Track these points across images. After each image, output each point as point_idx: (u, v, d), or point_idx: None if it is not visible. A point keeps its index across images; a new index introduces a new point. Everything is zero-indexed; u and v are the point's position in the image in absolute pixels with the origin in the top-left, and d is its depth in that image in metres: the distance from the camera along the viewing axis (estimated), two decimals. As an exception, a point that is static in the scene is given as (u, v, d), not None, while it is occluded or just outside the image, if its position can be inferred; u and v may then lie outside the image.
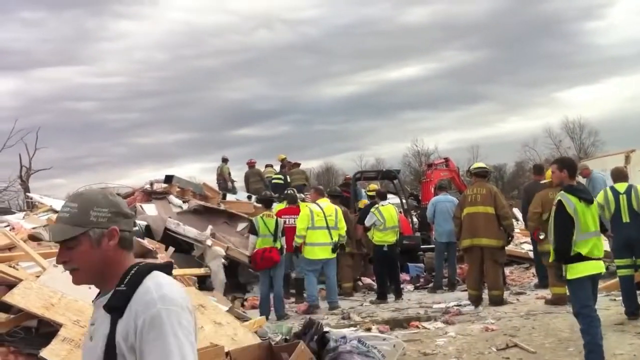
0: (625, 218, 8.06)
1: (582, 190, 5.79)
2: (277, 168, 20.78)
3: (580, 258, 5.59)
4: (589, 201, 5.67)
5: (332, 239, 10.80)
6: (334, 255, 10.90)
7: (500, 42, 71.05)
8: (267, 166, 21.40)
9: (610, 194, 8.20)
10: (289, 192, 13.81)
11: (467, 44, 72.53)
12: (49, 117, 61.23)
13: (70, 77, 67.60)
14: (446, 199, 12.95)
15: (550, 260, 5.88)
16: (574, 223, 5.58)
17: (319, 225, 10.79)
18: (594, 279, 5.67)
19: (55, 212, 10.52)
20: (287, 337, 6.05)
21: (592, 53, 68.60)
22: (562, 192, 5.76)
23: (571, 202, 5.62)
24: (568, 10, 69.77)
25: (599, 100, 69.89)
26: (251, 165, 20.55)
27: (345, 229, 11.14)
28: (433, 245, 13.31)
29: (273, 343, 5.40)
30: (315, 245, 10.77)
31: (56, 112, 64.20)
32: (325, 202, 11.25)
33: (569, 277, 5.56)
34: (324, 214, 10.85)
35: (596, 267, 5.66)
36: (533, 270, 12.63)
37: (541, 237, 9.36)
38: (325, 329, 5.29)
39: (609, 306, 8.98)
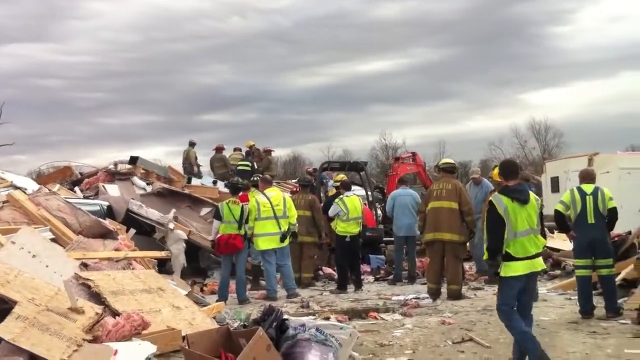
0: (591, 219, 8.18)
1: (516, 190, 5.87)
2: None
3: (510, 257, 5.68)
4: (522, 201, 5.72)
5: (280, 228, 10.77)
6: (285, 244, 10.86)
7: (469, 42, 72.02)
8: (235, 149, 21.29)
9: (577, 194, 8.30)
10: (253, 179, 13.76)
11: (437, 41, 73.31)
12: (14, 92, 60.22)
13: (37, 54, 66.58)
14: (406, 192, 13.04)
15: (484, 258, 5.98)
16: (505, 223, 5.68)
17: (266, 216, 10.75)
18: (529, 275, 5.73)
19: (16, 187, 10.34)
20: (246, 324, 6.04)
21: (558, 57, 69.91)
22: (495, 193, 5.93)
23: (502, 203, 5.70)
24: (536, 14, 71.15)
25: (564, 103, 71.30)
26: (218, 150, 20.41)
27: (295, 217, 11.11)
28: (394, 238, 13.40)
29: (231, 329, 5.38)
30: (264, 235, 10.73)
31: (22, 88, 63.25)
32: (273, 191, 11.20)
33: (501, 274, 5.68)
34: (270, 203, 10.81)
35: (528, 266, 5.70)
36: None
37: None
38: (285, 316, 5.29)
39: (563, 305, 9.15)
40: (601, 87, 70.14)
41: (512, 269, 5.65)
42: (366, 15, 72.05)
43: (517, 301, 5.80)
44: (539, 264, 5.78)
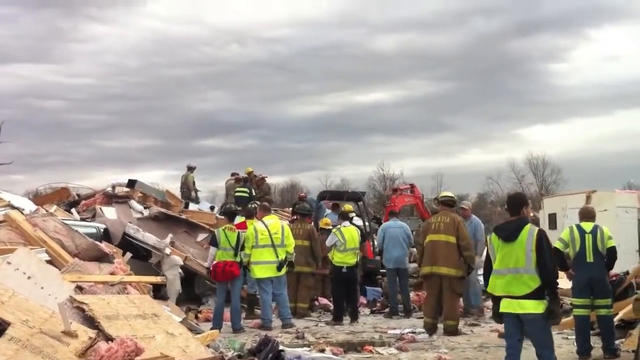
0: (590, 258, 8.14)
1: (500, 227, 5.88)
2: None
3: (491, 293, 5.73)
4: (503, 238, 5.70)
5: (277, 256, 10.71)
6: (281, 273, 10.80)
7: (466, 76, 72.71)
8: (232, 174, 21.25)
9: (576, 232, 8.27)
10: (251, 206, 13.73)
11: (434, 75, 74.13)
12: (13, 112, 60.62)
13: (39, 75, 66.96)
14: (396, 224, 13.03)
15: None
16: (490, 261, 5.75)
17: (264, 244, 10.71)
18: (520, 318, 5.66)
19: (14, 207, 10.29)
20: (241, 354, 5.97)
21: (554, 94, 70.56)
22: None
23: (490, 239, 5.80)
24: (533, 50, 72.14)
25: (560, 139, 71.80)
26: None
27: (293, 245, 11.06)
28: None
29: (226, 358, 5.31)
30: (260, 263, 10.69)
31: (22, 108, 63.38)
32: (271, 219, 11.17)
33: None
34: (268, 231, 10.77)
35: (508, 305, 5.67)
36: (489, 302, 12.70)
37: None
38: (280, 347, 5.22)
39: (561, 344, 9.04)
40: (597, 124, 70.95)
41: (501, 305, 5.70)
42: (363, 47, 72.88)
43: (516, 343, 5.73)
44: (523, 306, 5.61)
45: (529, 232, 5.68)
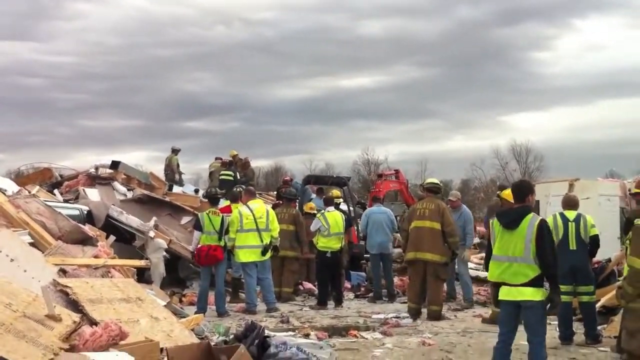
0: (572, 245, 8.19)
1: (502, 214, 5.88)
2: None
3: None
4: (505, 226, 5.70)
5: (262, 241, 10.70)
6: (266, 258, 10.79)
7: (451, 63, 72.72)
8: (216, 159, 21.17)
9: (559, 220, 8.32)
10: (236, 190, 13.69)
11: (419, 60, 74.01)
12: (-5, 90, 59.46)
13: (20, 52, 65.95)
14: (380, 210, 13.03)
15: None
16: (491, 246, 5.77)
17: (248, 228, 10.68)
18: (517, 305, 5.68)
19: (-3, 189, 10.17)
20: (226, 339, 5.96)
21: (538, 81, 70.65)
22: None
23: (492, 224, 5.79)
24: (518, 39, 71.99)
25: (544, 127, 72.05)
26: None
27: (277, 230, 11.04)
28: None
29: (212, 344, 5.29)
30: (245, 247, 10.66)
31: (3, 86, 62.44)
32: (256, 203, 11.13)
33: None
34: (253, 216, 10.74)
35: (506, 293, 5.69)
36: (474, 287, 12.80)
37: None
38: (266, 333, 5.22)
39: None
40: (580, 113, 71.38)
41: (500, 292, 5.70)
42: (350, 32, 72.57)
43: (509, 332, 5.78)
44: (521, 294, 5.61)
45: (530, 222, 5.64)
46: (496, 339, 8.22)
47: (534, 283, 5.59)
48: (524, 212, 5.74)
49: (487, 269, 5.97)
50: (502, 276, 5.70)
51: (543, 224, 5.70)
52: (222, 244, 10.47)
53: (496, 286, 5.85)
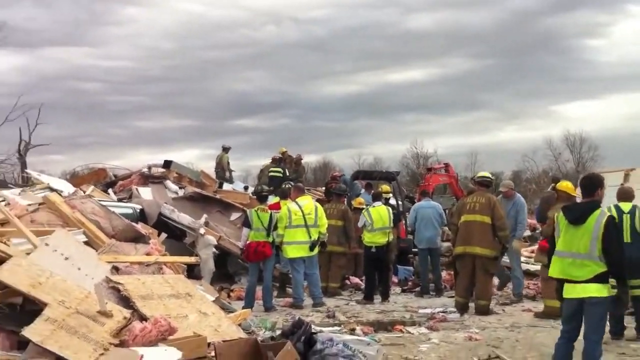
0: (627, 238, 8.00)
1: (569, 209, 5.78)
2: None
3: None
4: (572, 221, 5.59)
5: (310, 237, 10.79)
6: (314, 253, 10.88)
7: (502, 53, 71.59)
8: (272, 160, 21.27)
9: (614, 212, 8.13)
10: (285, 187, 13.82)
11: (469, 52, 73.27)
12: (52, 95, 61.65)
13: (75, 58, 67.65)
14: (428, 205, 12.96)
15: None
16: (554, 241, 5.67)
17: (297, 224, 10.79)
18: (580, 303, 5.56)
19: (52, 190, 10.53)
20: (273, 334, 6.08)
21: (592, 69, 69.13)
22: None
23: (557, 219, 5.70)
24: (570, 26, 70.33)
25: (598, 116, 70.43)
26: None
27: (326, 226, 11.12)
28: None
29: (259, 339, 5.41)
30: (293, 244, 10.78)
31: (60, 91, 64.43)
32: (305, 200, 11.23)
33: None
34: (302, 212, 10.84)
35: (569, 290, 5.57)
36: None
37: None
38: (313, 330, 5.31)
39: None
40: (635, 101, 69.19)
41: (563, 290, 5.62)
42: (400, 26, 72.26)
43: (573, 329, 5.70)
44: (586, 290, 5.48)
45: (597, 218, 5.50)
46: (545, 333, 8.26)
47: (599, 279, 5.46)
48: (592, 208, 5.60)
49: (549, 264, 5.84)
50: (564, 272, 5.60)
51: (611, 221, 5.55)
52: (270, 240, 10.62)
53: (560, 281, 5.75)
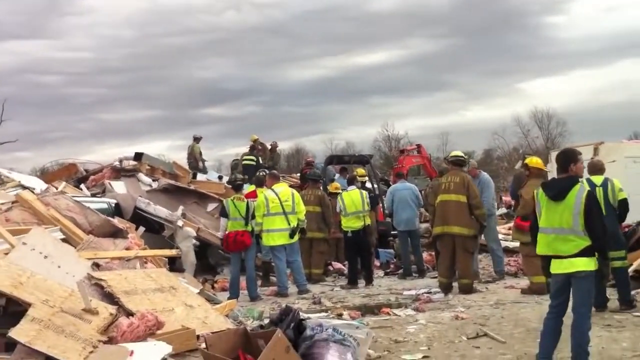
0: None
1: (548, 185, 5.80)
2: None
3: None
4: (551, 197, 5.59)
5: (289, 224, 10.72)
6: (294, 240, 10.83)
7: (464, 33, 72.62)
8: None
9: (586, 186, 8.22)
10: (259, 174, 13.73)
11: (432, 32, 74.15)
12: (14, 89, 60.46)
13: (35, 50, 66.53)
14: (404, 186, 12.98)
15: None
16: (536, 218, 5.69)
17: (275, 212, 10.71)
18: (567, 277, 5.57)
19: (24, 187, 10.29)
20: (262, 323, 6.01)
21: (554, 46, 70.42)
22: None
23: (537, 196, 5.72)
24: (531, 4, 71.34)
25: (563, 92, 71.71)
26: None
27: (304, 212, 11.07)
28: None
29: (249, 329, 5.35)
30: (273, 231, 10.70)
31: (21, 85, 63.32)
32: (281, 187, 11.15)
33: None
34: (279, 199, 10.76)
35: (557, 266, 5.59)
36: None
37: None
38: (302, 316, 5.27)
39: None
40: (600, 75, 70.87)
41: (551, 265, 5.62)
42: (361, 8, 72.60)
43: (561, 304, 5.70)
44: (573, 264, 5.49)
45: (577, 194, 5.51)
46: (530, 309, 8.33)
47: (585, 253, 5.47)
48: (571, 183, 5.60)
49: (533, 241, 5.84)
50: (550, 248, 5.61)
51: (591, 195, 5.58)
52: (249, 229, 10.54)
53: (545, 257, 5.77)
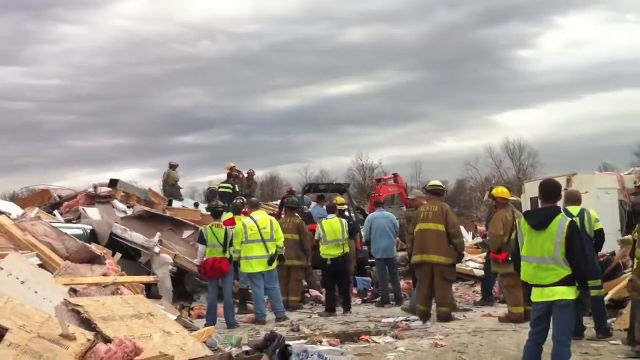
0: None
1: (530, 214, 5.88)
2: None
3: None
4: (534, 226, 5.66)
5: (267, 251, 10.68)
6: (272, 267, 10.77)
7: (434, 65, 73.69)
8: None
9: None
10: (237, 202, 13.70)
11: (403, 65, 75.52)
12: (-17, 115, 59.47)
13: (7, 77, 66.10)
14: (382, 215, 13.02)
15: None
16: (518, 245, 5.77)
17: (253, 239, 10.66)
18: (548, 305, 5.64)
19: (0, 212, 10.13)
20: (240, 350, 5.97)
21: (524, 79, 71.71)
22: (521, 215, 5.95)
23: (519, 225, 5.80)
24: (499, 38, 72.97)
25: (533, 124, 72.78)
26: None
27: (282, 239, 11.03)
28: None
29: (234, 355, 5.30)
30: (251, 258, 10.64)
31: (-9, 111, 62.43)
32: (259, 214, 11.11)
33: None
34: (257, 227, 10.72)
35: (539, 294, 5.65)
36: (478, 287, 12.86)
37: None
38: (286, 342, 5.23)
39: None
40: (569, 108, 72.34)
41: (532, 294, 5.66)
42: (331, 40, 73.39)
43: (541, 331, 5.75)
44: (554, 293, 5.56)
45: (559, 223, 5.58)
46: (508, 337, 8.37)
47: (566, 282, 5.53)
48: (553, 213, 5.68)
49: (516, 269, 5.92)
50: (532, 276, 5.67)
51: (573, 225, 5.64)
52: (227, 255, 10.47)
53: (526, 286, 5.82)
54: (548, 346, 5.81)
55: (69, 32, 71.02)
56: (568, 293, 5.56)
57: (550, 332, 5.80)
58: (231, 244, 10.56)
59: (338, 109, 74.37)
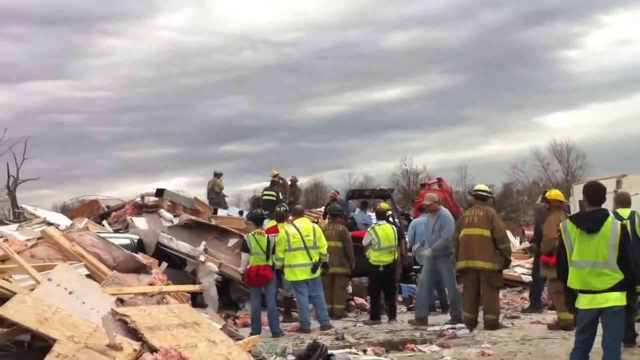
0: None
1: (581, 218, 5.71)
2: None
3: (570, 288, 5.58)
4: (586, 230, 5.51)
5: (311, 259, 10.64)
6: (316, 275, 10.73)
7: (478, 68, 72.66)
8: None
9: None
10: (280, 209, 13.72)
11: (446, 68, 74.39)
12: (36, 128, 61.66)
13: (56, 91, 67.80)
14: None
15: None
16: (566, 251, 5.58)
17: (296, 247, 10.63)
18: (598, 312, 5.49)
19: (50, 224, 10.39)
20: (289, 358, 5.97)
21: (570, 80, 70.21)
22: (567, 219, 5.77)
23: (566, 229, 5.62)
24: (544, 39, 71.48)
25: (581, 125, 71.27)
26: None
27: (325, 247, 10.97)
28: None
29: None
30: (295, 266, 10.61)
31: (42, 124, 64.11)
32: (302, 221, 11.08)
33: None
34: (300, 234, 10.69)
35: (590, 301, 5.48)
36: (526, 294, 12.62)
37: None
38: (329, 352, 5.20)
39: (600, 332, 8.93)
40: (617, 108, 70.61)
41: (577, 301, 5.52)
42: (373, 45, 73.14)
43: (588, 339, 5.60)
44: (607, 299, 5.42)
45: (611, 226, 5.47)
46: (557, 345, 8.18)
47: (619, 287, 5.41)
48: (603, 216, 5.56)
49: (561, 276, 5.77)
50: (583, 282, 5.52)
51: (625, 229, 5.54)
52: (270, 263, 10.50)
53: (570, 291, 5.68)
54: (594, 353, 5.65)
55: (114, 45, 72.46)
56: (621, 299, 5.42)
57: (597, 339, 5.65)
58: (274, 252, 10.58)
59: (381, 114, 74.26)
